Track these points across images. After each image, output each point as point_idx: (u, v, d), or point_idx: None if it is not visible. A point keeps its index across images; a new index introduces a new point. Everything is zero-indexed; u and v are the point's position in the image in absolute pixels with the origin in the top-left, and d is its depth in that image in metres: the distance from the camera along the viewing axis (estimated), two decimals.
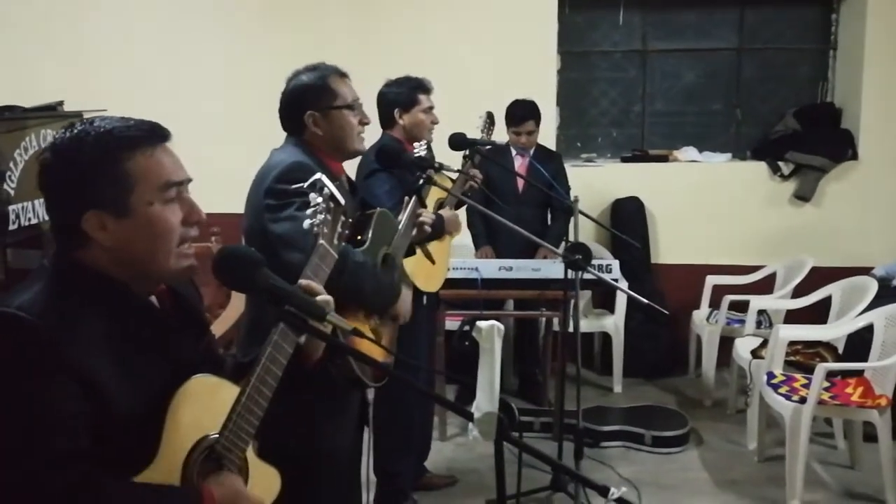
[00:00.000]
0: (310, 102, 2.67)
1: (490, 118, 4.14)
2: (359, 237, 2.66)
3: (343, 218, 1.87)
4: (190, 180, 1.62)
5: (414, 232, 3.11)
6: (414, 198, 3.11)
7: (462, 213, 4.24)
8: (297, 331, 1.68)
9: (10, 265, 3.88)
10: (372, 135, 3.44)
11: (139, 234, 1.54)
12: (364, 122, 2.76)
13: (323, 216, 1.81)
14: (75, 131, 1.54)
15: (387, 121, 3.89)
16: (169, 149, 1.59)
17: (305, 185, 1.84)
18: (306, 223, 1.80)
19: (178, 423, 1.52)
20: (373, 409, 3.82)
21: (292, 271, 1.79)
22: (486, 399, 4.15)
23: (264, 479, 1.69)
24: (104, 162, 1.51)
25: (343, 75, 2.74)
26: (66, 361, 1.42)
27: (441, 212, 3.57)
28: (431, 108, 3.90)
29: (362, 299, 2.60)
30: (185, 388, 1.54)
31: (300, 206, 1.83)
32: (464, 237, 4.72)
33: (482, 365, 4.21)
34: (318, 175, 1.84)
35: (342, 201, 1.86)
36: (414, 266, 3.44)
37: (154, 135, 1.57)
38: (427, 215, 3.18)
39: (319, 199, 1.80)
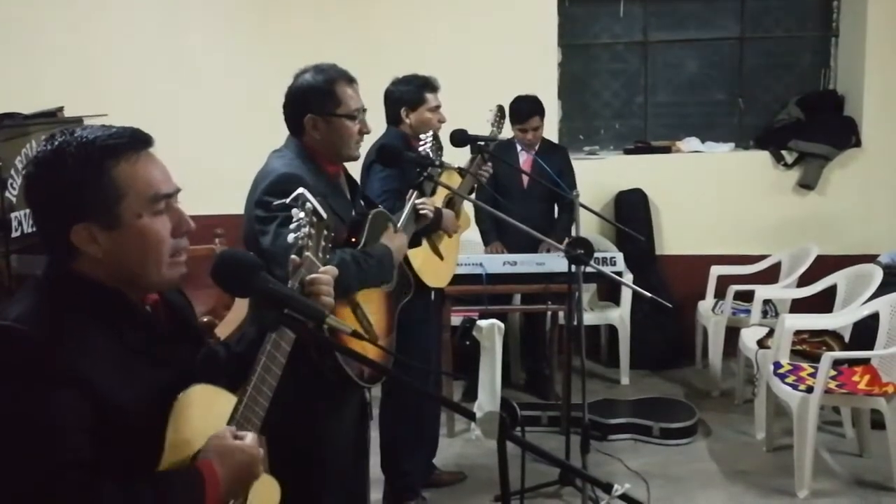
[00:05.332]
0: (312, 105, 2.66)
1: (500, 111, 4.15)
2: (353, 239, 2.65)
3: (326, 231, 1.89)
4: (179, 190, 1.61)
5: (416, 223, 3.12)
6: (414, 192, 3.12)
7: (471, 210, 4.25)
8: (296, 333, 1.68)
9: (16, 271, 3.90)
10: (377, 131, 3.46)
11: (129, 246, 1.53)
12: (364, 132, 2.75)
13: (307, 230, 1.82)
14: (56, 143, 1.51)
15: (393, 119, 3.90)
16: (154, 157, 1.58)
17: (287, 200, 1.85)
18: (290, 237, 1.82)
19: (179, 432, 1.52)
20: (380, 407, 3.85)
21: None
22: (487, 398, 4.16)
23: (264, 489, 1.70)
24: (89, 172, 1.49)
25: (351, 81, 2.71)
26: (63, 371, 1.42)
27: (442, 209, 3.59)
28: (438, 106, 3.90)
29: (354, 292, 2.60)
30: (184, 398, 1.54)
31: (283, 220, 1.85)
32: (472, 233, 4.73)
33: (483, 364, 4.22)
34: (300, 190, 1.86)
35: (324, 215, 1.87)
36: (422, 262, 3.46)
37: (136, 140, 1.55)
38: (427, 205, 3.18)
39: (302, 214, 1.82)
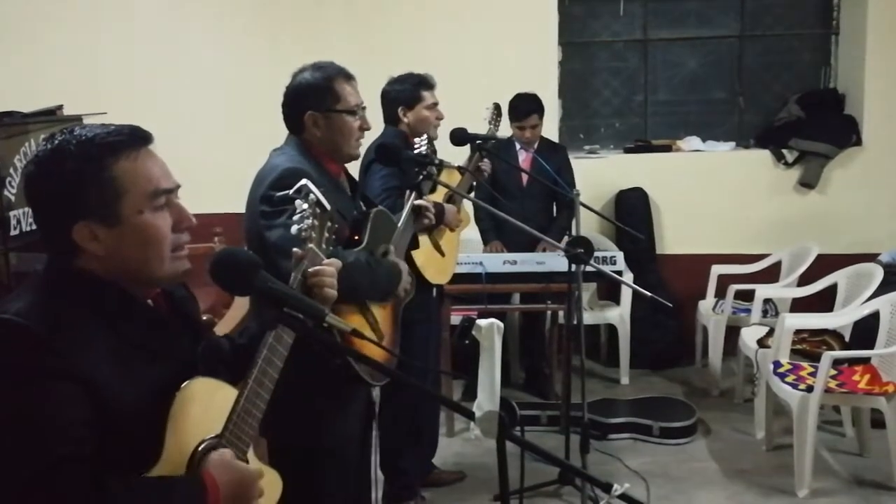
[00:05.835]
0: (311, 102, 2.65)
1: (497, 109, 4.15)
2: (356, 238, 2.65)
3: (329, 223, 1.89)
4: (178, 186, 1.61)
5: (415, 222, 3.12)
6: (413, 192, 3.12)
7: (470, 209, 4.24)
8: (297, 332, 1.68)
9: (15, 269, 3.90)
10: (377, 128, 3.45)
11: (131, 243, 1.54)
12: (364, 128, 2.74)
13: (310, 221, 1.82)
14: (56, 142, 1.52)
15: (391, 118, 3.89)
16: (154, 153, 1.58)
17: (291, 191, 1.85)
18: (294, 229, 1.82)
19: (180, 426, 1.52)
20: (378, 406, 3.85)
21: (286, 278, 1.80)
22: (487, 397, 4.15)
23: (266, 482, 1.70)
24: (89, 170, 1.50)
25: (349, 77, 2.70)
26: (62, 366, 1.42)
27: (443, 204, 3.58)
28: (435, 104, 3.89)
29: (361, 296, 2.59)
30: (185, 391, 1.54)
31: (293, 213, 1.85)
32: (471, 231, 4.73)
33: (482, 363, 4.21)
34: (303, 181, 1.86)
35: (328, 207, 1.87)
36: (424, 259, 3.45)
37: (135, 137, 1.56)
38: (427, 205, 3.17)
39: (305, 206, 1.82)
